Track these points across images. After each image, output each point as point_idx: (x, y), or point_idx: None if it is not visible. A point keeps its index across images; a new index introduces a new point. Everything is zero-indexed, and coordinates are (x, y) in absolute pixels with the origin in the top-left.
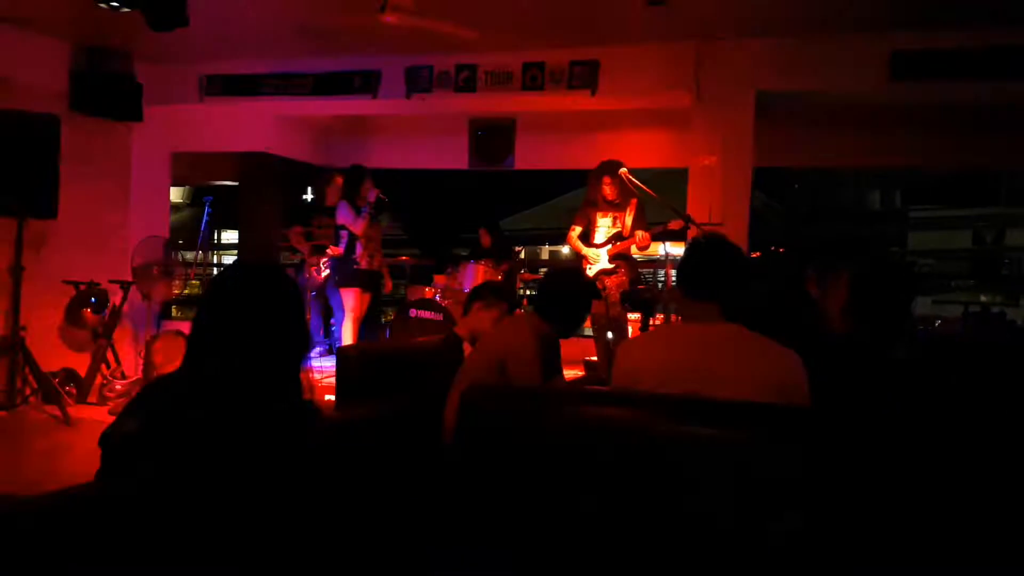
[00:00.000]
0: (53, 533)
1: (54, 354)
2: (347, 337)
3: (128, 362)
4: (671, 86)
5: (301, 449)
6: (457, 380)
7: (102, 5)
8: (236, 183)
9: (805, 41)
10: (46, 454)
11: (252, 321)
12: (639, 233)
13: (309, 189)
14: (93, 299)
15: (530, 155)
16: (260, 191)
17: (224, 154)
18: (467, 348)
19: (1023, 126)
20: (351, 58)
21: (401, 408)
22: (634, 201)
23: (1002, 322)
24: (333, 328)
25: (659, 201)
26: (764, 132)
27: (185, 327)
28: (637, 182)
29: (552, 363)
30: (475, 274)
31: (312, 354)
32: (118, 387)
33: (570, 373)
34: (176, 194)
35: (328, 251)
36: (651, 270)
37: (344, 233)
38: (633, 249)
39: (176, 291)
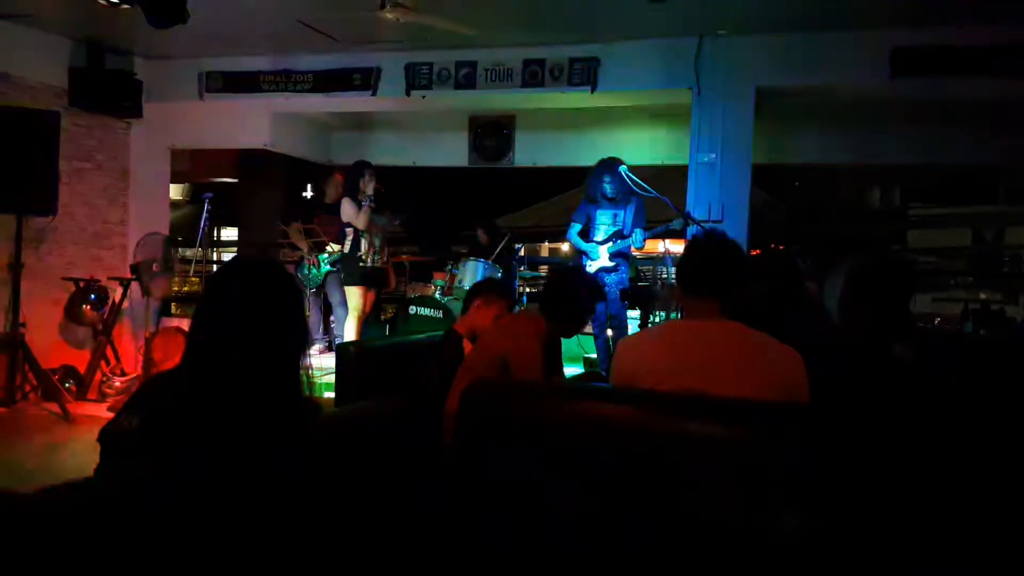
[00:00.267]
0: (51, 528)
1: (54, 351)
2: (350, 335)
3: (128, 359)
4: (671, 83)
5: (301, 445)
6: (458, 377)
7: (102, 2)
8: (236, 180)
9: (805, 38)
10: (45, 450)
11: (251, 317)
12: (638, 232)
13: (309, 186)
14: (93, 296)
15: (530, 152)
16: (260, 188)
17: (224, 151)
18: (467, 345)
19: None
20: (351, 55)
21: (401, 405)
22: (634, 198)
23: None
24: (333, 325)
25: (659, 199)
26: (764, 129)
27: (184, 324)
28: (637, 179)
29: (553, 361)
30: (475, 271)
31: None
32: (117, 384)
33: (570, 370)
34: (175, 191)
35: (328, 249)
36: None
37: (349, 230)
38: (633, 247)
39: (175, 288)
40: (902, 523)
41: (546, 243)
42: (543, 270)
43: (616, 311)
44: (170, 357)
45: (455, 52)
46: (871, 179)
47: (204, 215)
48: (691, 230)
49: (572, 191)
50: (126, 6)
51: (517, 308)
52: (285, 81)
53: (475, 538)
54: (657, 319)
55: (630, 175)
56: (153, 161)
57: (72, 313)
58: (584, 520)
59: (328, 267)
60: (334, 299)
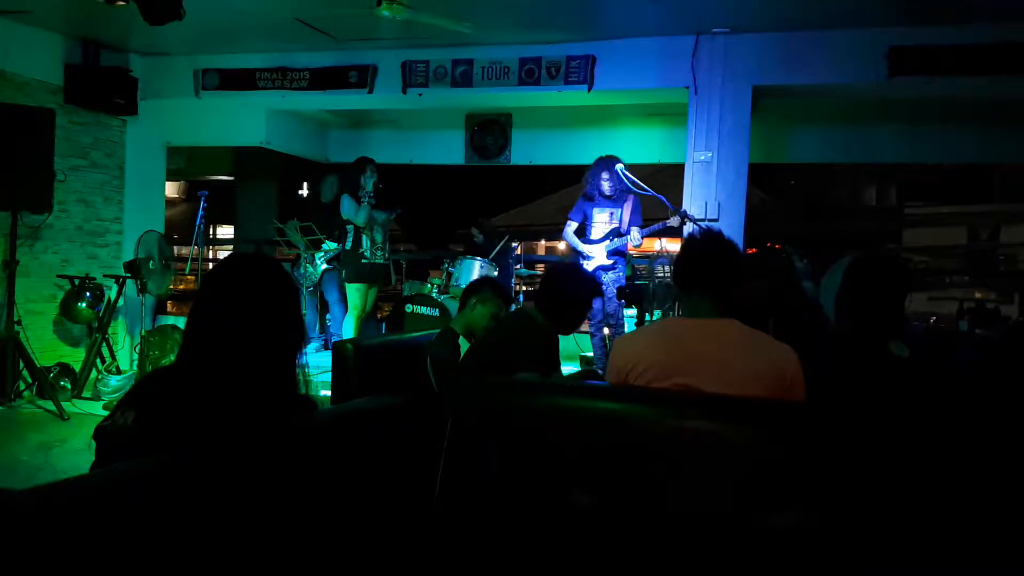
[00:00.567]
0: (48, 525)
1: (49, 349)
2: (348, 332)
3: (123, 356)
4: (668, 81)
5: (297, 442)
6: (456, 375)
7: None
8: (232, 178)
9: (802, 36)
10: (41, 448)
11: (247, 314)
12: (635, 230)
13: (305, 184)
14: (88, 293)
15: (527, 150)
16: (256, 186)
17: (220, 149)
18: (463, 343)
19: (1020, 121)
20: (347, 53)
21: (397, 403)
22: (631, 196)
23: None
24: (329, 323)
25: (655, 197)
26: (760, 128)
27: (180, 322)
28: (634, 178)
29: (550, 358)
30: (471, 270)
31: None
32: (113, 381)
33: (567, 368)
34: (171, 189)
35: (324, 247)
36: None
37: (350, 227)
38: (630, 244)
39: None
40: (899, 521)
41: (543, 241)
42: (540, 268)
43: (613, 309)
44: (166, 355)
45: (452, 50)
46: (867, 178)
47: (200, 213)
48: (687, 229)
49: (568, 189)
50: (121, 3)
51: (514, 306)
52: (281, 79)
53: (472, 535)
54: (653, 317)
55: (627, 173)
56: (149, 158)
57: (67, 311)
58: (581, 517)
59: (325, 265)
60: (331, 297)
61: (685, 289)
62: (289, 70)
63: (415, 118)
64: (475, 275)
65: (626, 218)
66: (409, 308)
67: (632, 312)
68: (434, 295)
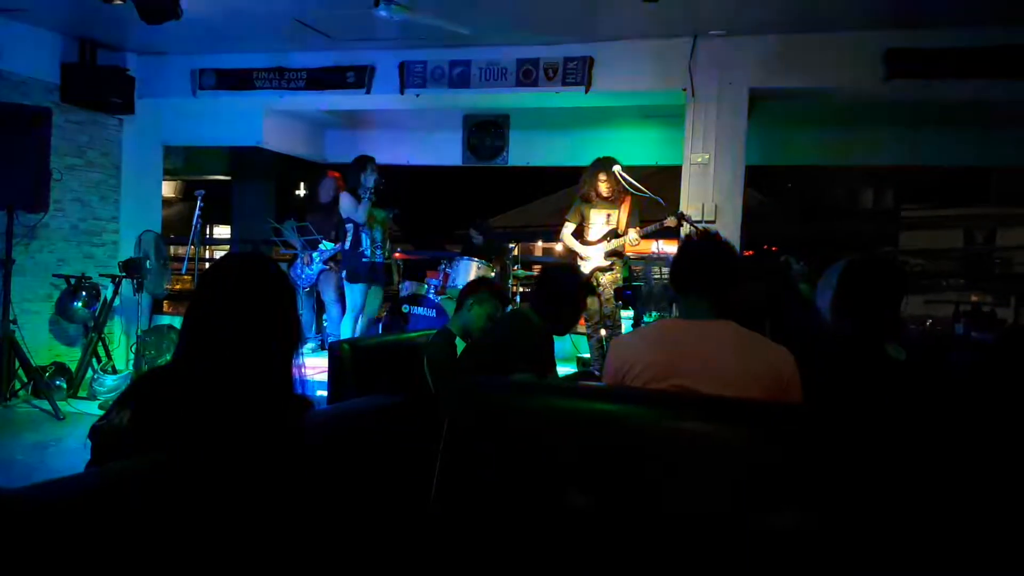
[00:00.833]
0: (43, 524)
1: (44, 348)
2: (347, 333)
3: (119, 356)
4: (665, 83)
5: (293, 442)
6: (452, 375)
7: None
8: (229, 178)
9: (799, 39)
10: (36, 448)
11: (243, 314)
12: (632, 231)
13: (302, 184)
14: (84, 293)
15: (524, 151)
16: (253, 186)
17: (217, 148)
18: (460, 344)
19: (1016, 124)
20: (345, 53)
21: (393, 403)
22: (628, 198)
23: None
24: (326, 324)
25: (652, 199)
26: (757, 130)
27: (176, 321)
28: (631, 179)
29: (546, 359)
30: (468, 270)
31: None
32: (109, 381)
33: (563, 370)
34: (168, 188)
35: (320, 247)
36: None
37: (350, 226)
38: (627, 246)
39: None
40: (895, 522)
41: (540, 242)
42: (536, 269)
43: (610, 310)
44: (162, 355)
45: (449, 51)
46: (864, 180)
47: (197, 212)
48: (684, 230)
49: (566, 190)
50: (119, 1)
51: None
52: (279, 78)
53: (468, 536)
54: (649, 318)
55: (624, 175)
56: (146, 158)
57: (63, 310)
58: (577, 518)
59: (321, 265)
60: (327, 297)
61: (682, 291)
62: (286, 70)
63: (412, 119)
64: (472, 276)
65: (623, 219)
66: (406, 308)
67: (629, 313)
68: (431, 296)
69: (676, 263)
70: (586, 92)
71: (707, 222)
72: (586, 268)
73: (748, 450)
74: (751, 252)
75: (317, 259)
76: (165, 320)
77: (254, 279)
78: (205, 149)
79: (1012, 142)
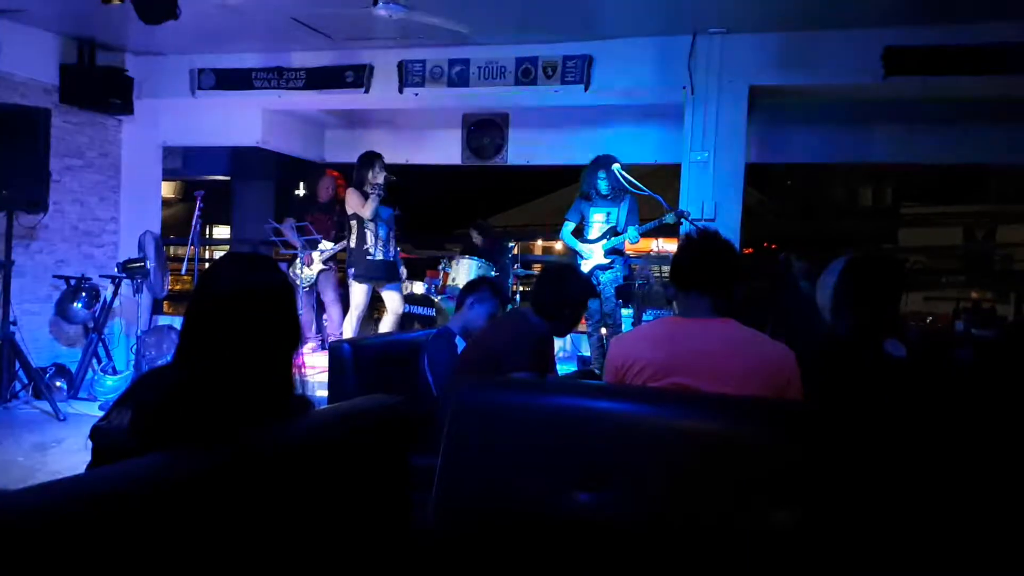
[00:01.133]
0: (43, 526)
1: (45, 349)
2: (348, 332)
3: (119, 357)
4: (664, 81)
5: (293, 442)
6: (452, 374)
7: None
8: (228, 178)
9: (799, 37)
10: (37, 449)
11: (242, 313)
12: (632, 229)
13: (301, 184)
14: (84, 294)
15: (524, 150)
16: (252, 186)
17: (216, 148)
18: (460, 343)
19: (1015, 121)
20: (343, 52)
21: (394, 402)
22: (627, 196)
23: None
24: (326, 324)
25: (652, 197)
26: (757, 128)
27: (176, 322)
28: (631, 178)
29: (547, 360)
30: (468, 270)
31: (304, 350)
32: (109, 382)
33: (564, 368)
34: (167, 189)
35: (320, 246)
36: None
37: (354, 223)
38: (627, 244)
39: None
40: (894, 520)
41: (540, 241)
42: (537, 268)
43: (610, 309)
44: (162, 355)
45: (448, 49)
46: (863, 178)
47: (196, 213)
48: (684, 228)
49: (565, 189)
50: (117, 2)
51: (511, 307)
52: (278, 78)
53: (469, 535)
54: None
55: (623, 174)
56: (145, 158)
57: (63, 311)
58: (577, 516)
59: (321, 265)
60: (327, 297)
61: (683, 289)
62: (285, 70)
63: (412, 118)
64: (472, 275)
65: (622, 217)
66: (406, 308)
67: (629, 312)
68: (431, 295)
69: (676, 261)
70: (585, 90)
71: (707, 220)
72: (586, 267)
73: (748, 448)
74: (751, 250)
75: (317, 259)
76: (165, 320)
77: (253, 279)
78: (204, 149)
79: (1011, 139)
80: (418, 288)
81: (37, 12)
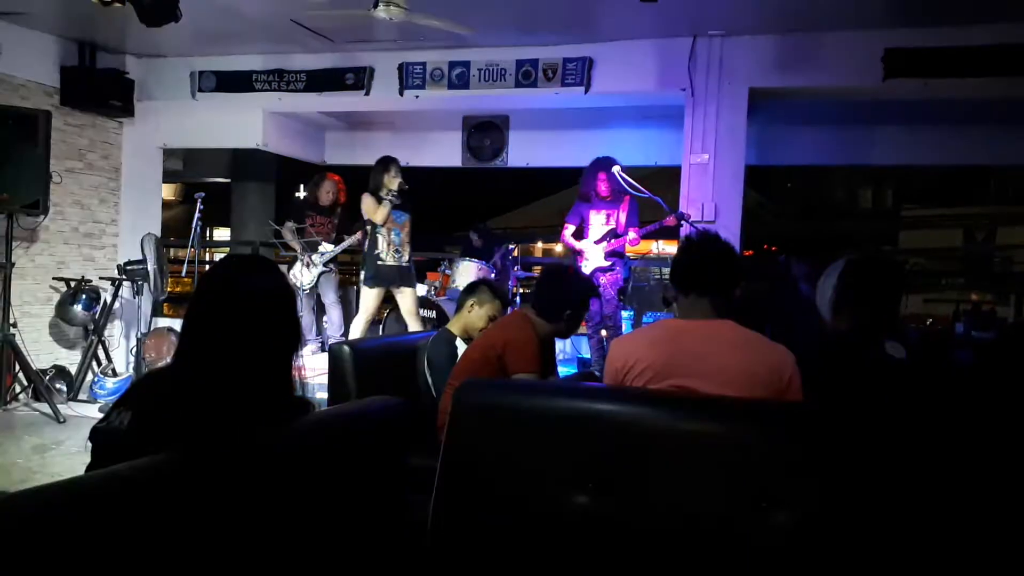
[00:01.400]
0: (43, 527)
1: (45, 351)
2: (355, 333)
3: (119, 359)
4: (664, 83)
5: (293, 444)
6: (453, 376)
7: (93, 0)
8: (228, 180)
9: (799, 39)
10: (37, 451)
11: (243, 315)
12: (632, 231)
13: (302, 186)
14: (84, 296)
15: (524, 152)
16: (252, 188)
17: (217, 150)
18: (460, 345)
19: (1015, 123)
20: (344, 55)
21: (394, 405)
22: (627, 198)
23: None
24: (326, 326)
25: (651, 199)
26: (757, 130)
27: (176, 324)
28: (631, 180)
29: (548, 362)
30: (468, 272)
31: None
32: (109, 384)
33: (564, 370)
34: (168, 191)
35: (320, 249)
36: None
37: (369, 229)
38: (627, 246)
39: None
40: (894, 521)
41: (540, 243)
42: (537, 271)
43: (611, 311)
44: (162, 357)
45: (448, 52)
46: (864, 180)
47: (196, 215)
48: (684, 230)
49: (566, 191)
50: (118, 4)
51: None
52: (278, 80)
53: (469, 535)
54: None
55: (623, 176)
56: (145, 161)
57: (63, 313)
58: (577, 518)
59: (322, 267)
60: (327, 299)
61: (683, 290)
62: (286, 72)
63: (412, 120)
64: (472, 277)
65: (622, 219)
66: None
67: (630, 314)
68: (431, 297)
69: (676, 263)
70: (585, 92)
71: (707, 222)
72: (587, 269)
73: (749, 449)
74: (751, 252)
75: (317, 261)
76: (165, 322)
77: (253, 281)
78: (204, 151)
79: (1011, 141)
80: (420, 290)
81: (38, 14)
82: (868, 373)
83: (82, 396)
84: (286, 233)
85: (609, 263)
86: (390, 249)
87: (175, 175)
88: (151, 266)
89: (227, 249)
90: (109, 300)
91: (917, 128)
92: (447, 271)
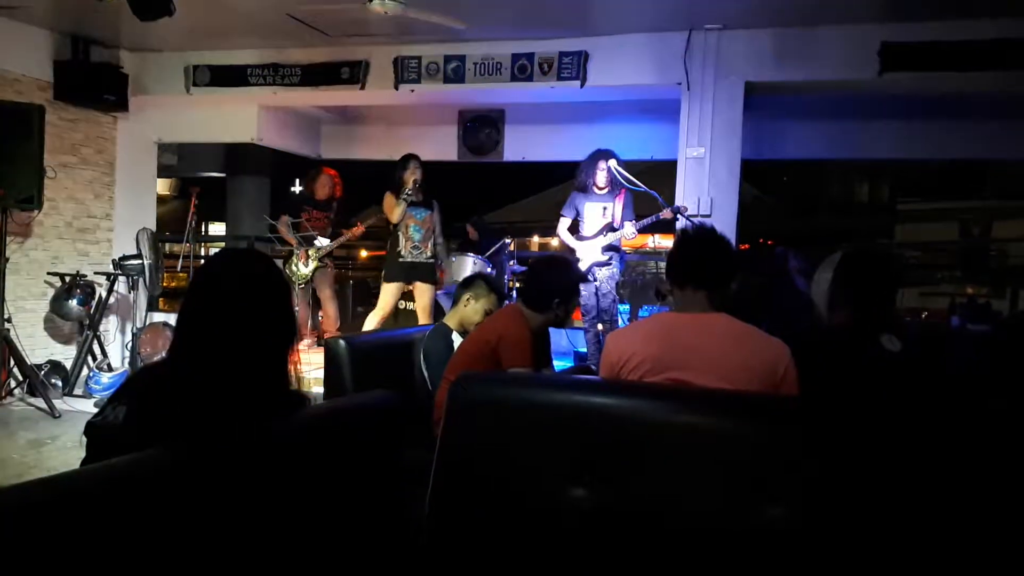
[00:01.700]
0: (37, 521)
1: (40, 346)
2: (368, 327)
3: (115, 354)
4: (660, 78)
5: (288, 438)
6: (448, 370)
7: None
8: (223, 174)
9: (795, 33)
10: (32, 446)
11: (238, 309)
12: (628, 225)
13: (297, 181)
14: (79, 291)
15: (520, 146)
16: (247, 183)
17: (211, 145)
18: (456, 339)
19: (1012, 117)
20: (339, 49)
21: (390, 399)
22: (623, 190)
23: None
24: (321, 320)
25: (647, 193)
26: (753, 124)
27: (171, 319)
28: (627, 174)
29: (543, 355)
30: (465, 266)
31: (301, 346)
32: (104, 379)
33: (560, 364)
34: (162, 186)
35: (316, 243)
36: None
37: (391, 226)
38: (623, 240)
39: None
40: (890, 516)
41: (536, 237)
42: None
43: (607, 305)
44: (157, 352)
45: (444, 46)
46: (860, 174)
47: (191, 210)
48: (680, 224)
49: (562, 185)
50: None
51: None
52: (273, 75)
53: (465, 530)
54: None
55: (620, 169)
56: (139, 155)
57: (58, 308)
58: (573, 512)
59: (317, 262)
60: (323, 294)
61: (678, 284)
62: (281, 66)
63: (407, 114)
64: (468, 271)
65: (618, 212)
66: (402, 304)
67: (626, 308)
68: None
69: (672, 257)
70: (581, 87)
71: (703, 216)
72: (583, 264)
73: (744, 443)
74: (747, 246)
75: (313, 256)
76: (160, 317)
77: (248, 275)
78: (199, 146)
79: (1008, 135)
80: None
81: (31, 8)
82: (864, 367)
83: (77, 391)
84: (282, 227)
85: (606, 257)
86: (408, 245)
87: (170, 170)
88: (146, 261)
89: (222, 244)
90: (104, 295)
91: (913, 122)
92: (444, 265)
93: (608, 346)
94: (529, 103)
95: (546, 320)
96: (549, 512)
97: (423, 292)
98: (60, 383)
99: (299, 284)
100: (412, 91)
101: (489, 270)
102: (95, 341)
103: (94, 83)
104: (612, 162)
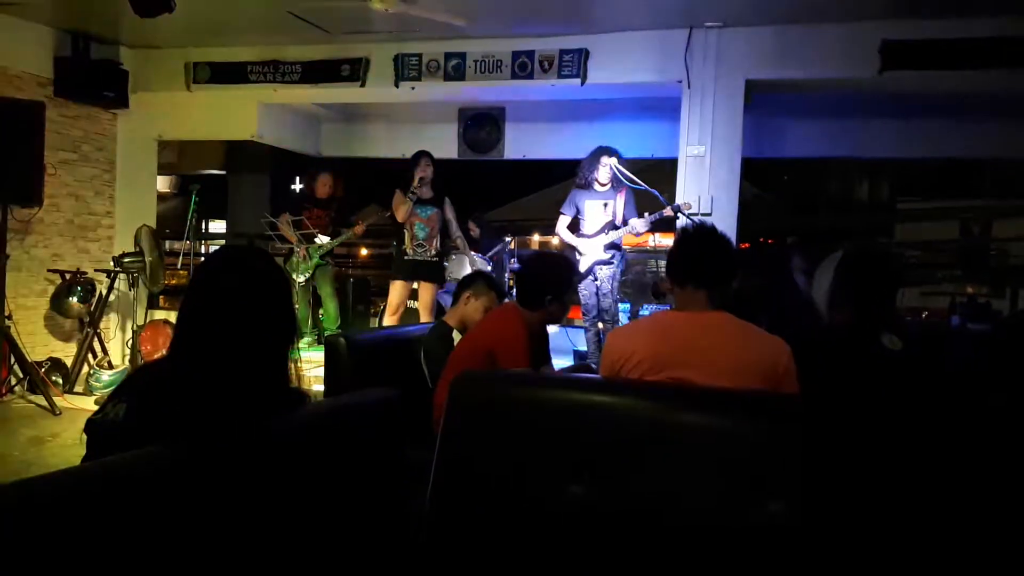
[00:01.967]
0: (37, 519)
1: (40, 344)
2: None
3: (115, 351)
4: (661, 75)
5: (288, 436)
6: (447, 368)
7: None
8: (223, 172)
9: (796, 30)
10: (32, 443)
11: (238, 306)
12: (635, 220)
13: (298, 179)
14: (79, 288)
15: (520, 144)
16: (248, 180)
17: (212, 142)
18: (457, 337)
19: (1012, 116)
20: (339, 46)
21: (391, 397)
22: (624, 189)
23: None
24: (322, 318)
25: (648, 191)
26: (753, 122)
27: (172, 316)
28: (628, 172)
29: (541, 353)
30: (465, 264)
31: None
32: (105, 376)
33: (560, 362)
34: (163, 183)
35: (316, 241)
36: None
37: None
38: (627, 237)
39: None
40: (889, 514)
41: (537, 235)
42: None
43: (608, 304)
44: (158, 349)
45: (444, 43)
46: (860, 173)
47: (191, 207)
48: (680, 223)
49: (562, 183)
50: None
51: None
52: (273, 72)
53: (465, 528)
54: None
55: (620, 168)
56: (140, 152)
57: (58, 305)
58: (573, 509)
59: (318, 260)
60: (323, 292)
61: (679, 282)
62: (281, 63)
63: (408, 112)
64: (468, 269)
65: (619, 210)
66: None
67: (626, 307)
68: None
69: (673, 255)
70: (582, 84)
71: (703, 214)
72: (585, 262)
73: (744, 441)
74: (747, 245)
75: (314, 253)
76: (161, 315)
77: (249, 272)
78: (200, 143)
79: (1009, 134)
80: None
81: (31, 4)
82: (865, 366)
83: (78, 388)
84: (282, 225)
85: (608, 255)
86: (412, 243)
87: (170, 167)
88: (147, 258)
89: (223, 241)
90: (104, 292)
91: (914, 121)
92: (444, 263)
93: (608, 345)
94: (529, 101)
95: (541, 317)
96: (549, 510)
97: (426, 290)
98: (60, 380)
99: (299, 282)
100: (412, 88)
101: (489, 268)
102: (95, 338)
103: (94, 80)
104: (614, 160)
